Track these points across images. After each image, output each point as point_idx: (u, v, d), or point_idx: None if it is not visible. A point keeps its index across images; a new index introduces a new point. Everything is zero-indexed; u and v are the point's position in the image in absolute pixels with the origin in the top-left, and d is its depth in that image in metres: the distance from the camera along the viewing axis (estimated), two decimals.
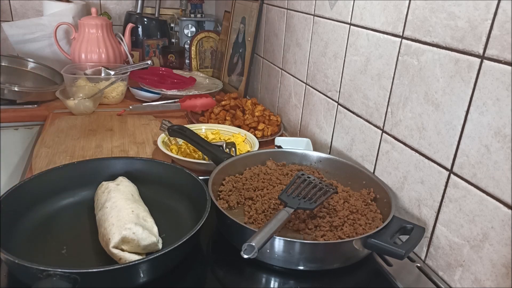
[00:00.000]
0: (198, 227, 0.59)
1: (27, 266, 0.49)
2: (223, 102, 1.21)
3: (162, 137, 0.96)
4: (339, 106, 0.91)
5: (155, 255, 0.53)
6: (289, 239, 0.59)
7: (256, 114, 1.15)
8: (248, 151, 0.90)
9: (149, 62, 1.44)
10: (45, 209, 0.69)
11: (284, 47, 1.18)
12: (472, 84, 0.57)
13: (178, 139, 0.99)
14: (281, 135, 1.12)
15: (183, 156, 0.92)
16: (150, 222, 0.62)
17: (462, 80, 0.58)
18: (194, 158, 0.93)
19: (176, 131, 0.92)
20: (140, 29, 1.70)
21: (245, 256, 0.51)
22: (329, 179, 0.82)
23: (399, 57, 0.71)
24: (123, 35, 1.56)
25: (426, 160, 0.66)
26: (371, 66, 0.79)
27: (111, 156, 0.93)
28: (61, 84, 1.36)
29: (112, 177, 0.74)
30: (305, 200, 0.65)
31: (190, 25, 1.79)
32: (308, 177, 0.70)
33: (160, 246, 0.60)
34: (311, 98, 1.03)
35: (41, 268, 0.48)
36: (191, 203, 0.71)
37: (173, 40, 1.81)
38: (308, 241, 0.60)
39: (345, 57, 0.87)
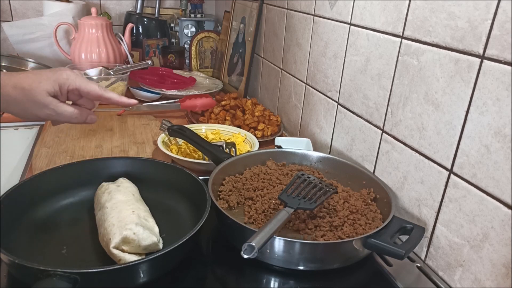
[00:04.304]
0: (198, 227, 0.59)
1: (27, 266, 0.49)
2: (223, 102, 1.21)
3: (162, 137, 0.96)
4: (339, 106, 0.91)
5: (155, 255, 0.53)
6: (289, 239, 0.58)
7: (256, 114, 1.15)
8: (248, 151, 0.90)
9: (149, 62, 1.44)
10: (45, 209, 0.69)
11: (284, 47, 1.18)
12: (472, 84, 0.57)
13: (178, 139, 0.98)
14: (281, 135, 1.12)
15: (183, 156, 0.92)
16: (151, 222, 0.62)
17: (462, 80, 0.58)
18: (194, 158, 0.93)
19: (176, 131, 0.91)
20: (140, 29, 1.70)
21: (245, 256, 0.51)
22: (329, 179, 0.82)
23: (399, 57, 0.71)
24: (123, 35, 1.56)
25: (426, 160, 0.66)
26: (371, 66, 0.79)
27: (111, 156, 0.93)
28: None
29: (112, 177, 0.74)
30: (305, 200, 0.65)
31: (190, 25, 1.79)
32: (308, 177, 0.70)
33: (161, 246, 0.60)
34: (311, 98, 1.03)
35: (41, 268, 0.48)
36: (191, 203, 0.71)
37: (173, 40, 1.81)
38: (308, 241, 0.60)
39: (345, 57, 0.87)
